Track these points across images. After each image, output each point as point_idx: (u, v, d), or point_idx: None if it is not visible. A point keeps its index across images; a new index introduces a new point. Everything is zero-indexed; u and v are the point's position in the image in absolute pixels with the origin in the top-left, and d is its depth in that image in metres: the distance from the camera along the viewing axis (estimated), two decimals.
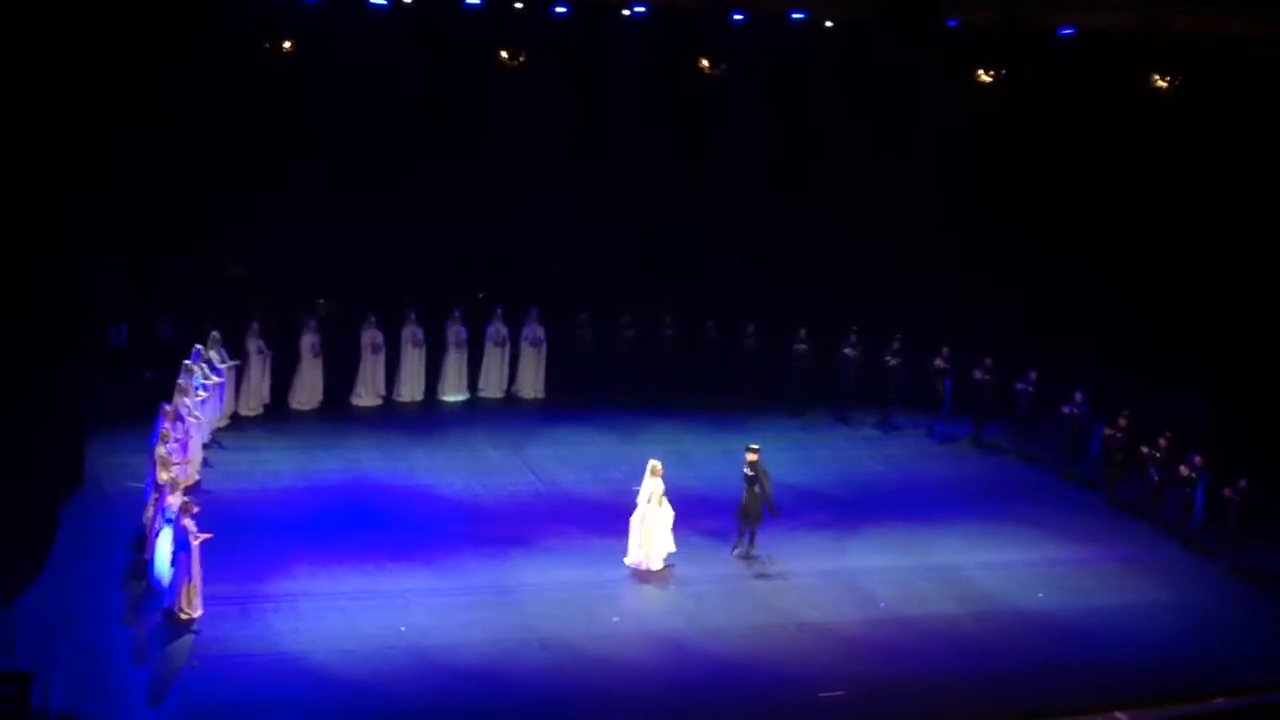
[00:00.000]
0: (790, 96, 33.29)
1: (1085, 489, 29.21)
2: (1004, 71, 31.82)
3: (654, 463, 24.77)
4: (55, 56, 24.13)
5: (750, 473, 24.77)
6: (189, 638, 21.42)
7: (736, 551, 25.01)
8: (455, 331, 31.35)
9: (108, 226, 27.42)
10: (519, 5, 29.99)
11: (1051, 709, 21.34)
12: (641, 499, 24.59)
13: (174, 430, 24.43)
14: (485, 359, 31.71)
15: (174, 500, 22.11)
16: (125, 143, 28.28)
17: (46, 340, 23.49)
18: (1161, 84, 31.38)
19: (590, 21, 31.07)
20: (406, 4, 29.69)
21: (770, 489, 24.88)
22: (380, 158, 31.39)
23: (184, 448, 24.76)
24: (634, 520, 24.63)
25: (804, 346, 31.98)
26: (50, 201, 23.69)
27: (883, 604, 24.05)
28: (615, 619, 23.04)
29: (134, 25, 27.46)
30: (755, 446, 24.97)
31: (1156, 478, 27.40)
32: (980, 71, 31.87)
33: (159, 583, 22.29)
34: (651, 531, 24.51)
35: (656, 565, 24.55)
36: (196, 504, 22.28)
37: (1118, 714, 21.21)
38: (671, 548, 24.60)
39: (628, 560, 24.60)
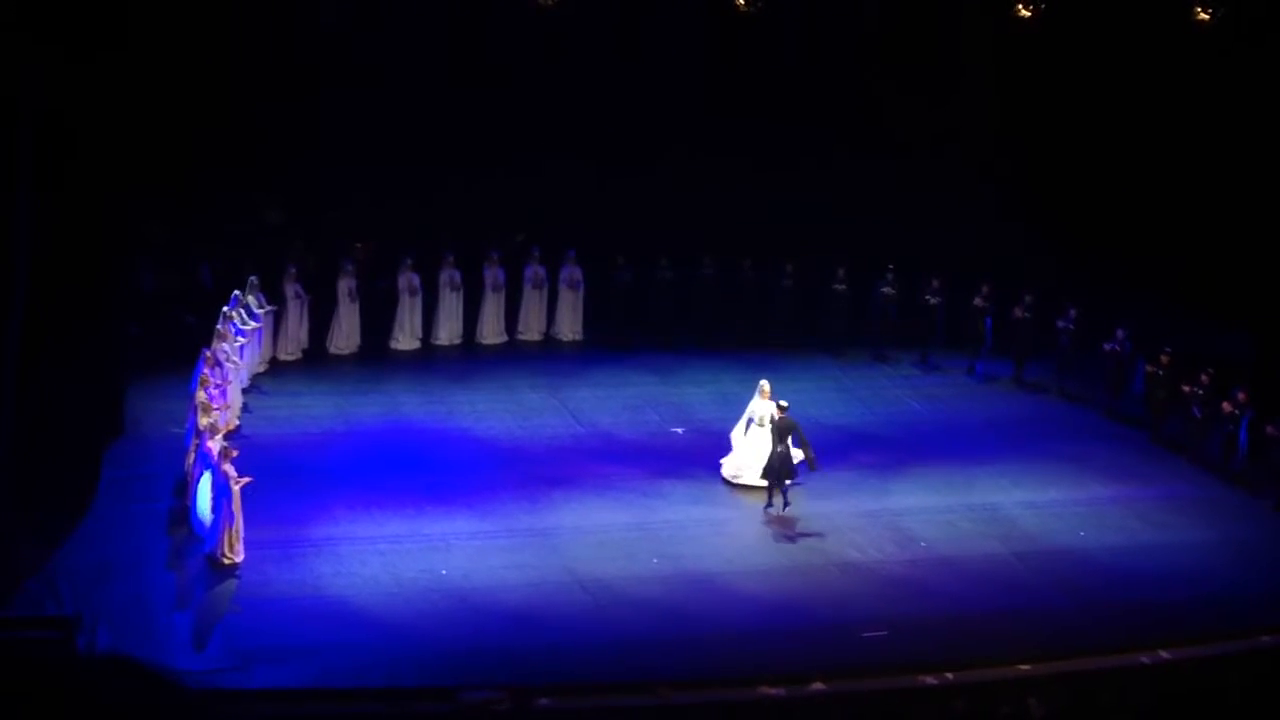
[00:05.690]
0: (827, 33, 33.00)
1: (1127, 426, 29.04)
2: (1044, 6, 31.48)
3: (763, 383, 25.13)
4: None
5: (776, 428, 24.34)
6: (231, 582, 21.53)
7: (771, 512, 24.51)
8: (493, 274, 31.30)
9: (146, 172, 27.33)
10: None
11: (1095, 647, 21.25)
12: (747, 418, 25.02)
13: (213, 376, 24.47)
14: (523, 301, 31.69)
15: (214, 445, 22.16)
16: (160, 90, 28.18)
17: (86, 286, 23.47)
18: (1204, 16, 30.97)
19: None
20: None
21: (807, 442, 24.49)
22: (417, 99, 31.22)
23: (223, 393, 24.81)
24: (737, 435, 25.13)
25: (843, 286, 31.84)
26: (91, 150, 23.60)
27: (924, 544, 23.98)
28: (655, 561, 23.00)
29: None
30: (784, 404, 24.44)
31: (1199, 415, 27.22)
32: (1019, 6, 31.53)
33: (201, 528, 22.39)
34: (752, 446, 24.90)
35: (750, 479, 24.89)
36: (236, 449, 22.34)
37: (1161, 652, 21.10)
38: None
39: (724, 471, 25.27)
